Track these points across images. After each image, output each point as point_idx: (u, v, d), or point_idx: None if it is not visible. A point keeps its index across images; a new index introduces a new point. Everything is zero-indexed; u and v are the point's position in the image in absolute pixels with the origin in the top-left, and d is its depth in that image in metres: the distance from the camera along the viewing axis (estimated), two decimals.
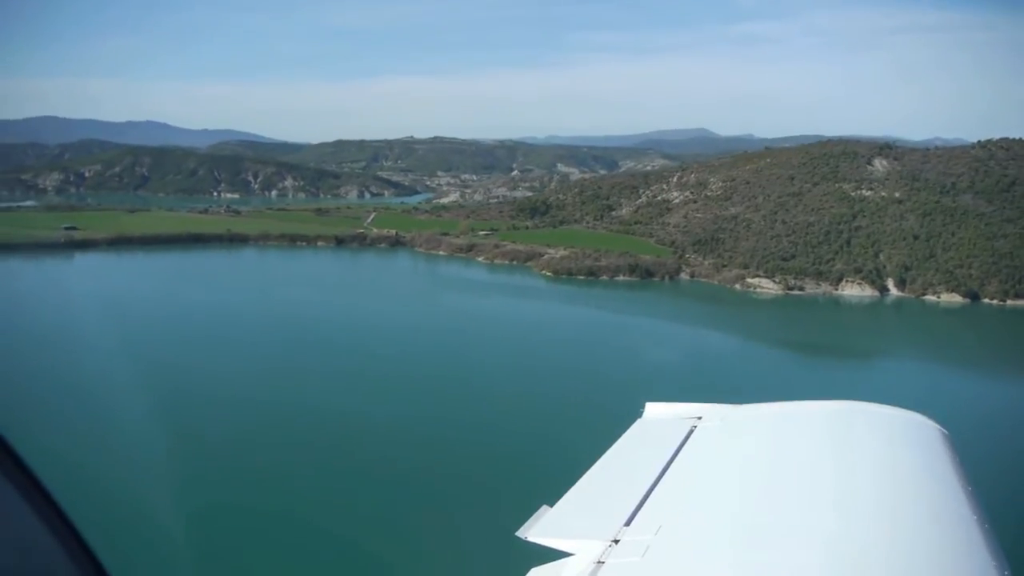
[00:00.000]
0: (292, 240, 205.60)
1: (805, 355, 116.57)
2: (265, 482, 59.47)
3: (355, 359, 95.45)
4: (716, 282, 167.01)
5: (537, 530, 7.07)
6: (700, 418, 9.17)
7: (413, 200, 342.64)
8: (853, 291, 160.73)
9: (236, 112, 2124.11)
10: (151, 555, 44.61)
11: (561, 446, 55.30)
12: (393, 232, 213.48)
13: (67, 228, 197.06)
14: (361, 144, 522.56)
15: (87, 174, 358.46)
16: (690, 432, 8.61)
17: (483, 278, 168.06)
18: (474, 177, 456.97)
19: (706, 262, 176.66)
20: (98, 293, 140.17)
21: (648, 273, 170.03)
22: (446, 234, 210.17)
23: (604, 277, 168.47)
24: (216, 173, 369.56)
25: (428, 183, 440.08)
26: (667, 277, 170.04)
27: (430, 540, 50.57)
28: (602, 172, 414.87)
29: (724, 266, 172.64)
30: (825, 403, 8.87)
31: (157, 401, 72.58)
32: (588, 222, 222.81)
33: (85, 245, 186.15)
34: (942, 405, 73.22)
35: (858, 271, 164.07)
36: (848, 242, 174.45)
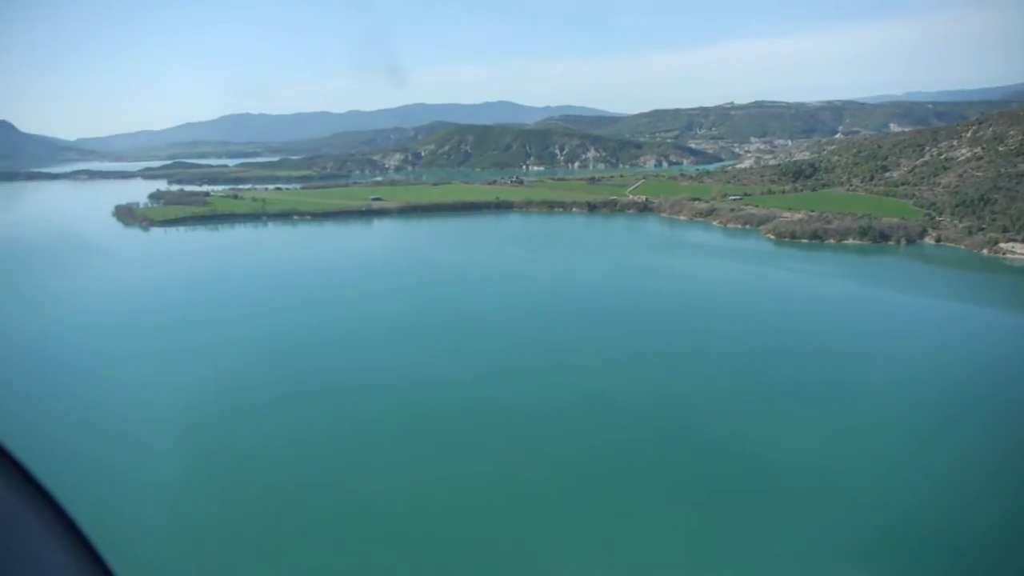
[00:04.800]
0: (550, 207, 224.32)
1: None
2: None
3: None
4: (963, 247, 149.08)
5: None
6: None
7: (710, 167, 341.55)
8: None
9: (577, 88, 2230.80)
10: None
11: None
12: (642, 198, 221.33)
13: (373, 199, 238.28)
14: (676, 113, 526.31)
15: (423, 153, 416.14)
16: None
17: (701, 240, 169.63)
18: (789, 142, 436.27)
19: (960, 225, 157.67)
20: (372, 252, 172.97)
21: (883, 236, 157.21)
22: (696, 199, 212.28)
23: (831, 241, 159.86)
24: (527, 148, 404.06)
25: (736, 150, 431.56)
26: (903, 241, 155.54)
27: None
28: None
29: (981, 229, 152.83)
30: None
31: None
32: (854, 184, 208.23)
33: (381, 213, 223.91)
34: None
35: None
36: None
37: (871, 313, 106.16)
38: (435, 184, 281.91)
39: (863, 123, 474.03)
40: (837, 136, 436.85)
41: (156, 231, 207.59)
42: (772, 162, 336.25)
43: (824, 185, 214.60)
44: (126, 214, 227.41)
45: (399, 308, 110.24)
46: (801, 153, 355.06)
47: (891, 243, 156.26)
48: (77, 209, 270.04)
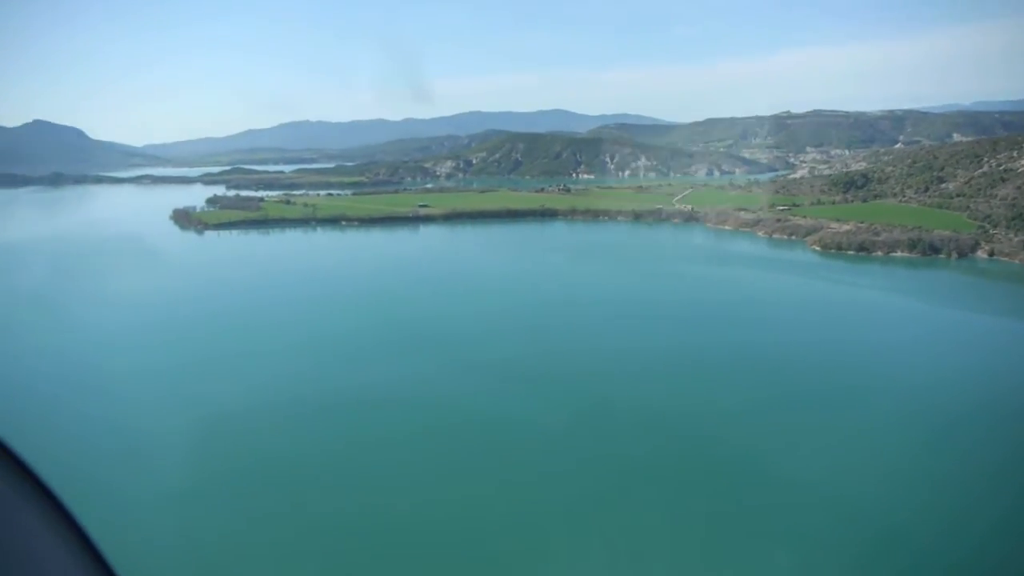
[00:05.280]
0: (595, 215, 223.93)
1: None
2: None
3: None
4: (1018, 261, 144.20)
5: None
6: None
7: (762, 177, 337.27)
8: None
9: (633, 96, 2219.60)
10: None
11: None
12: (688, 208, 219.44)
13: (420, 206, 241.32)
14: (731, 121, 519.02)
15: (474, 161, 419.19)
16: None
17: (743, 250, 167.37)
18: (846, 152, 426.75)
19: (1015, 239, 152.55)
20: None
21: (933, 249, 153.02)
22: (743, 209, 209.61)
23: (878, 253, 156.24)
24: (577, 156, 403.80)
25: (791, 160, 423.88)
26: (954, 254, 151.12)
27: None
28: None
29: None
30: None
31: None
32: (907, 195, 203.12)
33: (427, 219, 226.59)
34: None
35: None
36: None
37: (905, 325, 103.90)
38: (482, 192, 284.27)
39: (925, 133, 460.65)
40: (896, 146, 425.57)
41: (210, 234, 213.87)
42: (827, 172, 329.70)
43: (876, 196, 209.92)
44: (183, 217, 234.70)
45: (434, 313, 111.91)
46: (857, 163, 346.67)
47: (941, 256, 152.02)
48: (138, 212, 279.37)
